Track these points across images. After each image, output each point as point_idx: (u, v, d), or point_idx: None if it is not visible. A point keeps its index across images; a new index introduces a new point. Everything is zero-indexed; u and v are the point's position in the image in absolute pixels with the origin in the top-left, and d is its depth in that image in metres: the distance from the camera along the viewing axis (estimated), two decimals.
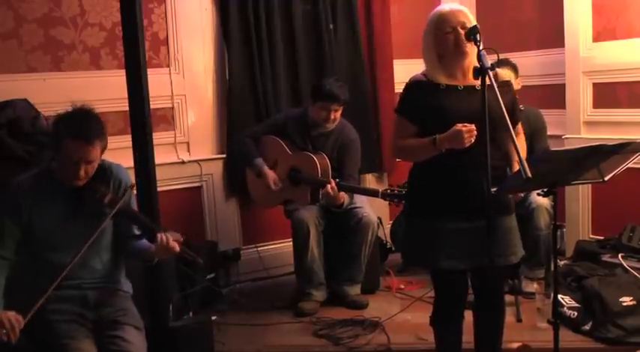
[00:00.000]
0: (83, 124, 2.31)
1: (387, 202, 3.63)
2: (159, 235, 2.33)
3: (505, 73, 3.93)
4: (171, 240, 2.33)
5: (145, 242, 2.40)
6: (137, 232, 2.42)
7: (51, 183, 2.39)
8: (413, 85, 2.49)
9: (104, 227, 2.34)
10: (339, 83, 3.87)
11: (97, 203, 2.34)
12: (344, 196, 3.71)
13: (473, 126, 2.27)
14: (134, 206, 2.55)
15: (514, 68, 3.99)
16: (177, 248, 2.34)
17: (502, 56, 2.47)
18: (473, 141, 2.28)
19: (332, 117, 3.83)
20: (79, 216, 2.38)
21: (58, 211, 2.39)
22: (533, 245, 3.81)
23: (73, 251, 2.30)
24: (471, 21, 2.37)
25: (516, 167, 2.53)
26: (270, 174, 3.89)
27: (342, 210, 3.79)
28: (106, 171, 2.45)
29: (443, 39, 2.38)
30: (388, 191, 3.51)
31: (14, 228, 2.38)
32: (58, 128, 2.35)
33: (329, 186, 3.61)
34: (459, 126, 2.28)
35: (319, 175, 3.75)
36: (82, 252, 2.27)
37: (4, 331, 2.14)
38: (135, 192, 2.79)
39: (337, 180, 3.70)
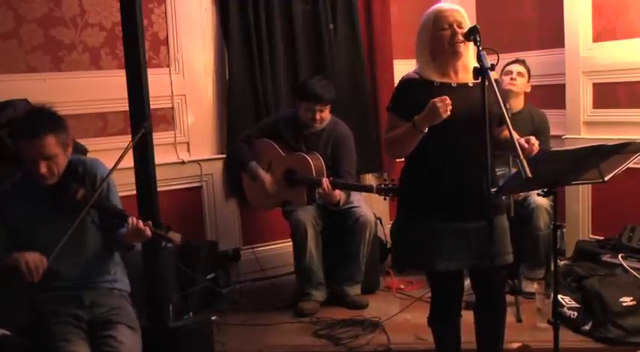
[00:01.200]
0: (29, 122, 2.33)
1: (385, 199, 3.62)
2: (130, 219, 2.33)
3: (519, 69, 3.97)
4: (142, 223, 2.32)
5: (123, 229, 2.41)
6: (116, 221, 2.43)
7: (31, 184, 2.41)
8: (406, 83, 2.48)
9: (80, 222, 2.32)
10: (323, 82, 3.85)
11: (71, 200, 2.34)
12: (340, 194, 3.69)
13: (446, 97, 2.26)
14: (115, 197, 2.54)
15: (529, 69, 4.03)
16: (148, 231, 2.33)
17: (502, 56, 2.47)
18: (449, 111, 2.26)
19: (318, 117, 3.82)
20: (59, 215, 2.38)
21: (38, 212, 2.40)
22: (533, 245, 3.81)
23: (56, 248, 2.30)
24: (467, 21, 2.39)
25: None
26: (266, 177, 3.89)
27: (339, 208, 3.79)
28: (77, 168, 2.46)
29: (438, 36, 2.38)
30: (382, 185, 3.51)
31: (1, 230, 2.39)
32: (12, 131, 2.38)
33: (323, 183, 3.61)
34: (433, 99, 2.27)
35: (314, 175, 3.74)
36: (61, 245, 2.27)
37: (29, 272, 2.21)
38: (135, 192, 2.80)
39: (331, 178, 3.69)
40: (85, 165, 2.49)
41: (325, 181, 3.61)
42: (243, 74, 4.25)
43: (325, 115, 3.86)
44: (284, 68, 4.38)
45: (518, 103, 3.99)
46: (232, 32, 4.20)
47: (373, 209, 4.14)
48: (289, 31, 4.37)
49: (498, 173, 2.80)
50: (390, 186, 3.45)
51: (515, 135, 2.13)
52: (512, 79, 3.95)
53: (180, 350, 2.93)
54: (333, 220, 3.92)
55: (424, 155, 2.42)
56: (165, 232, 2.38)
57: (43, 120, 2.33)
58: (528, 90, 4.04)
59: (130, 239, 2.40)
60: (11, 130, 2.40)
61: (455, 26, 2.36)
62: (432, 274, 2.56)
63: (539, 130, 3.99)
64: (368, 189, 3.63)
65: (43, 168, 2.31)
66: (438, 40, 2.39)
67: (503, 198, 2.60)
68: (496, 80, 2.38)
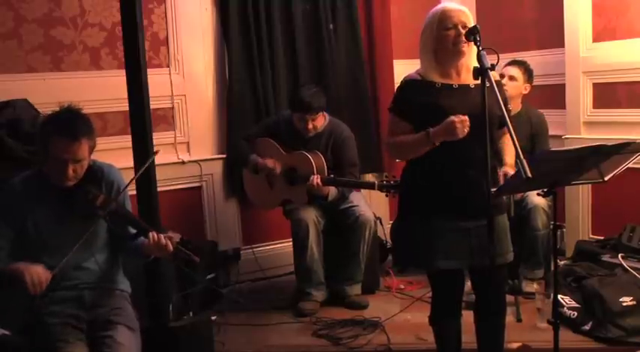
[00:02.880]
0: (69, 122, 2.32)
1: (387, 196, 3.62)
2: (151, 234, 2.33)
3: (512, 72, 3.94)
4: (164, 238, 2.32)
5: (141, 240, 2.40)
6: (133, 231, 2.42)
7: (43, 185, 2.39)
8: (408, 84, 2.49)
9: (94, 229, 2.34)
10: (313, 90, 3.85)
11: (89, 205, 2.34)
12: (328, 188, 3.72)
13: (465, 117, 2.28)
14: (128, 206, 2.55)
15: (528, 72, 3.98)
16: (170, 247, 2.33)
17: (502, 56, 2.47)
18: (467, 131, 2.28)
19: (310, 126, 3.82)
20: (72, 218, 2.37)
21: (50, 213, 2.39)
22: (531, 245, 3.81)
23: (65, 253, 2.30)
24: (471, 22, 2.39)
25: (508, 162, 2.55)
26: (268, 161, 3.87)
27: (327, 201, 3.79)
28: (96, 173, 2.46)
29: (443, 35, 2.39)
30: (384, 182, 3.52)
31: (8, 229, 2.38)
32: (44, 128, 2.37)
33: (312, 180, 3.63)
34: (452, 117, 2.28)
35: (315, 173, 3.75)
36: (71, 254, 2.28)
37: (33, 285, 2.20)
38: (135, 192, 2.80)
39: (333, 176, 3.71)
40: (103, 171, 2.49)
41: (314, 178, 3.63)
42: (243, 74, 4.25)
43: (317, 123, 3.86)
44: (284, 68, 4.38)
45: (515, 105, 3.98)
46: (232, 32, 4.20)
47: (373, 209, 4.14)
48: (289, 31, 4.37)
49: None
50: (392, 182, 3.46)
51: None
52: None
53: (180, 350, 2.93)
54: (332, 219, 3.92)
55: (425, 155, 2.42)
56: (189, 252, 2.40)
57: (81, 122, 2.34)
58: (526, 91, 4.01)
59: (151, 252, 2.40)
60: (44, 128, 2.37)
61: (460, 27, 2.36)
62: (432, 273, 2.57)
63: (538, 132, 3.98)
64: (370, 186, 3.65)
65: (71, 171, 2.31)
66: (442, 39, 2.39)
67: (504, 197, 2.60)
68: (497, 81, 2.38)
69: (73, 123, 2.32)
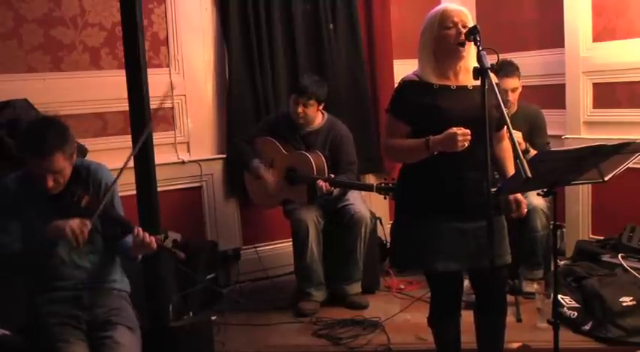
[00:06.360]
0: (39, 138, 2.28)
1: (385, 198, 3.62)
2: (136, 230, 2.33)
3: (513, 85, 3.88)
4: (147, 236, 2.32)
5: (129, 239, 2.40)
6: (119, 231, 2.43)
7: (34, 186, 2.39)
8: (405, 85, 2.48)
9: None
10: (315, 78, 3.91)
11: (75, 206, 2.33)
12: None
13: (467, 131, 2.26)
14: (117, 203, 2.54)
15: (518, 72, 3.95)
16: (154, 244, 2.32)
17: (502, 56, 2.46)
18: (466, 145, 2.27)
19: (300, 110, 3.81)
20: (62, 220, 2.36)
21: (40, 214, 2.39)
22: (531, 246, 3.81)
23: (58, 253, 2.31)
24: (471, 23, 2.38)
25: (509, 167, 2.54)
26: (269, 178, 3.91)
27: (331, 197, 3.79)
28: (81, 173, 2.45)
29: (443, 35, 2.38)
30: (382, 184, 3.52)
31: (15, 222, 2.38)
32: (19, 141, 2.39)
33: (322, 186, 3.63)
34: (454, 129, 2.27)
35: (315, 173, 3.75)
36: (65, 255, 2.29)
37: (75, 237, 2.22)
38: (135, 192, 2.80)
39: (333, 176, 3.71)
40: (90, 170, 2.49)
41: (324, 185, 3.63)
42: (243, 74, 4.25)
43: (310, 112, 3.85)
44: (284, 68, 4.38)
45: (513, 107, 3.96)
46: (232, 32, 4.20)
47: (373, 209, 4.14)
48: (289, 31, 4.37)
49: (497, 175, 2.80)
50: (390, 185, 3.45)
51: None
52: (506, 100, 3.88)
53: (180, 350, 2.93)
54: (331, 219, 3.92)
55: (429, 157, 2.41)
56: (170, 246, 2.39)
57: (51, 136, 2.29)
58: (520, 89, 4.00)
59: (135, 251, 2.39)
60: (18, 142, 2.38)
61: (460, 25, 2.35)
62: (431, 274, 2.56)
63: (535, 125, 3.96)
64: (368, 188, 3.64)
65: (51, 182, 2.31)
66: (442, 39, 2.38)
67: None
68: (497, 84, 2.37)
69: (42, 139, 2.27)
